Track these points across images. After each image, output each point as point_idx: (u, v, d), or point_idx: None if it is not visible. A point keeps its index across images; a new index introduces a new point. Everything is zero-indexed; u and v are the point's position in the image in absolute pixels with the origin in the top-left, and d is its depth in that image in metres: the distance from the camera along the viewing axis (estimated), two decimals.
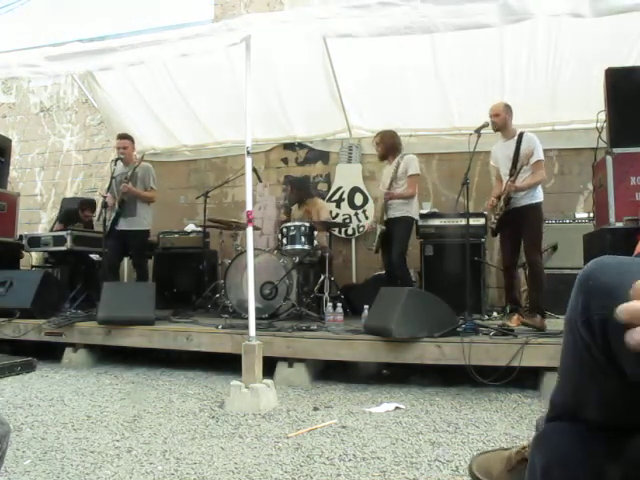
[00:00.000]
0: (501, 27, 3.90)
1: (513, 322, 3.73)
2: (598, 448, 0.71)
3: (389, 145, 4.55)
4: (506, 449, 1.01)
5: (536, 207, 3.73)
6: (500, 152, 3.94)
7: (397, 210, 4.45)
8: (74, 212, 6.23)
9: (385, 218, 4.50)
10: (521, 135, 3.78)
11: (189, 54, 3.41)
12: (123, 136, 4.94)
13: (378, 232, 4.53)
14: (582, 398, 0.76)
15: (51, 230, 6.24)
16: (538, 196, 3.75)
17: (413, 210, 4.48)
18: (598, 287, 0.69)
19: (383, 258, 4.65)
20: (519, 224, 3.74)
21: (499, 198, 3.84)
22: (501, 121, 3.83)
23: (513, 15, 2.80)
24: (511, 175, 3.72)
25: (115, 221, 4.78)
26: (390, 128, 4.69)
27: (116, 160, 4.79)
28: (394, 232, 4.43)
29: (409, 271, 4.55)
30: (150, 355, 4.10)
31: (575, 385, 0.78)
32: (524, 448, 0.95)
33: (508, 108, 3.85)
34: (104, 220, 4.66)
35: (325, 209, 5.54)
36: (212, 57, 3.91)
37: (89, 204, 6.31)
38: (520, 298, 3.99)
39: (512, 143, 3.80)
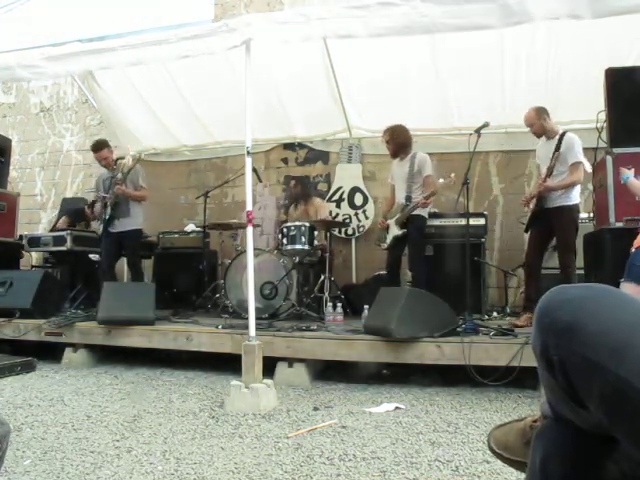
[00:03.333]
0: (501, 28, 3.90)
1: (521, 321, 3.73)
2: (596, 443, 0.71)
3: (400, 142, 4.46)
4: (520, 420, 1.02)
5: (570, 209, 3.68)
6: (543, 151, 3.91)
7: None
8: (81, 210, 6.22)
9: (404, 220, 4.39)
10: (562, 135, 3.73)
11: (189, 56, 3.41)
12: (97, 148, 4.89)
13: (397, 233, 4.40)
14: (565, 416, 0.76)
15: (54, 225, 6.22)
16: (573, 198, 3.70)
17: (424, 209, 4.42)
18: (553, 326, 0.67)
19: (389, 256, 4.55)
20: (551, 225, 3.71)
21: (533, 197, 3.84)
22: (538, 129, 3.80)
23: (512, 17, 2.80)
24: (547, 174, 3.70)
25: (109, 223, 4.78)
26: (401, 124, 4.55)
27: (117, 160, 4.80)
28: (408, 233, 4.36)
29: (425, 274, 4.40)
30: (150, 355, 4.09)
31: (553, 406, 0.78)
32: (535, 421, 0.95)
33: (540, 112, 3.77)
34: (103, 220, 4.67)
35: (324, 208, 5.54)
36: (212, 57, 3.90)
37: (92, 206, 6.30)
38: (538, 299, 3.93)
39: (553, 143, 3.76)
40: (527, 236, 4.00)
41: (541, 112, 3.78)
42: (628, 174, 2.89)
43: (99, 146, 4.91)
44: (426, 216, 4.48)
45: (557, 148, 3.69)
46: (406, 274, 4.78)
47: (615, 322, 0.62)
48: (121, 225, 4.83)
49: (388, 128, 4.55)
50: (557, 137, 3.75)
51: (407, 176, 4.41)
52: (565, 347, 0.64)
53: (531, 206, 3.89)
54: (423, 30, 3.02)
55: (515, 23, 2.86)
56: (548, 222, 3.73)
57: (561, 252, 3.73)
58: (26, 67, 3.70)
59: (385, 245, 4.54)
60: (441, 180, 4.26)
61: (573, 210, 3.71)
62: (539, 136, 3.88)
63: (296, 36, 3.19)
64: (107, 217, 4.76)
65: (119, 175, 4.75)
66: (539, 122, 3.77)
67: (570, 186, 3.67)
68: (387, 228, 4.53)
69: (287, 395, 3.15)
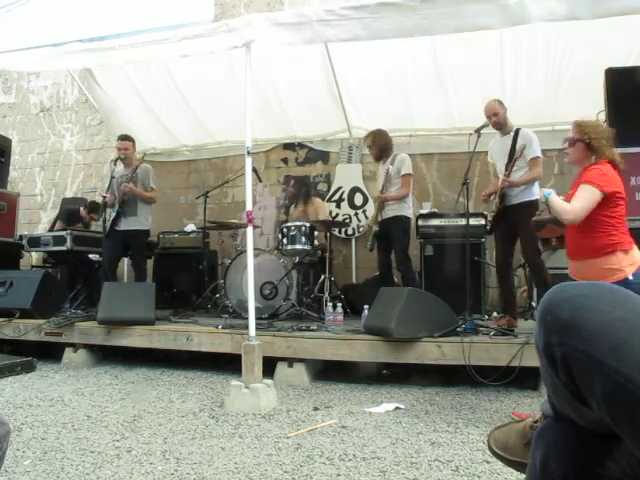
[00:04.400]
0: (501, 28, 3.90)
1: (500, 322, 3.74)
2: (596, 442, 0.71)
3: (381, 146, 4.49)
4: (520, 421, 1.02)
5: (531, 204, 3.63)
6: (497, 148, 3.90)
7: (391, 210, 4.41)
8: (76, 211, 6.23)
9: (379, 219, 4.48)
10: (517, 131, 3.74)
11: (190, 55, 3.41)
12: (125, 137, 4.91)
13: (373, 232, 4.50)
14: (566, 414, 0.76)
15: (50, 229, 6.23)
16: (534, 193, 3.66)
17: (406, 209, 4.43)
18: (555, 323, 0.68)
19: (378, 258, 4.60)
20: (514, 223, 3.68)
21: (494, 194, 3.81)
22: (501, 118, 3.77)
23: (512, 18, 2.80)
24: (509, 170, 3.69)
25: (115, 221, 4.78)
26: (381, 128, 4.60)
27: (116, 160, 4.79)
28: (391, 233, 4.40)
29: (414, 271, 4.51)
30: (150, 355, 4.09)
31: (555, 404, 0.78)
32: (536, 422, 0.95)
33: (502, 104, 3.81)
34: (104, 220, 4.66)
35: (324, 209, 5.54)
36: (212, 57, 3.91)
37: (95, 207, 6.30)
38: (513, 300, 3.93)
39: (509, 139, 3.76)
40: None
41: (502, 104, 3.80)
42: (549, 191, 2.68)
43: (128, 137, 4.93)
44: (408, 215, 4.47)
45: (514, 144, 3.68)
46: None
47: (616, 319, 0.63)
48: (127, 224, 4.82)
49: (369, 133, 4.62)
50: (512, 133, 3.75)
51: (385, 177, 4.43)
52: (567, 344, 0.65)
53: (493, 205, 3.85)
54: (423, 32, 3.03)
55: (514, 24, 2.87)
56: (511, 220, 3.70)
57: (525, 249, 3.70)
58: (25, 62, 3.72)
59: (368, 246, 4.57)
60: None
61: (534, 206, 3.64)
62: (499, 128, 3.83)
63: (297, 40, 3.19)
64: (115, 215, 4.75)
65: (129, 174, 4.76)
66: (502, 111, 3.75)
67: (531, 181, 3.66)
68: (371, 230, 4.58)
69: (287, 395, 3.15)
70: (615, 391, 0.59)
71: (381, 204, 4.45)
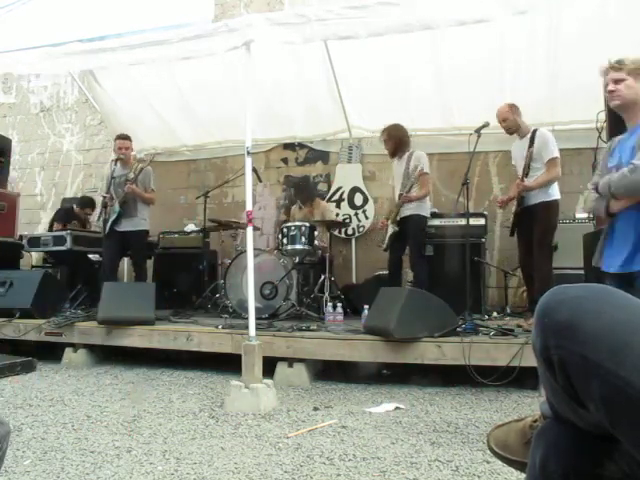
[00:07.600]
0: (501, 26, 3.90)
1: (527, 325, 3.70)
2: (596, 443, 0.71)
3: (398, 140, 4.44)
4: (519, 420, 1.02)
5: (548, 205, 3.65)
6: (517, 151, 3.91)
7: (408, 209, 4.35)
8: (70, 210, 6.24)
9: (398, 218, 4.40)
10: (534, 132, 3.73)
11: (191, 57, 3.42)
12: (124, 137, 4.92)
13: (390, 231, 4.41)
14: (565, 416, 0.76)
15: (49, 231, 6.24)
16: (552, 194, 3.67)
17: (425, 209, 4.41)
18: (553, 325, 0.67)
19: (390, 257, 4.53)
20: (531, 223, 3.69)
21: (511, 199, 3.84)
22: (512, 124, 3.79)
23: (514, 7, 2.80)
24: (523, 174, 3.70)
25: (115, 221, 4.78)
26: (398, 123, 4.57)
27: (116, 160, 4.79)
28: (407, 232, 4.35)
29: (426, 273, 4.42)
30: (150, 355, 4.09)
31: (554, 406, 0.78)
32: (535, 421, 0.95)
33: (513, 108, 3.80)
34: (104, 220, 4.66)
35: (329, 210, 5.54)
36: (212, 57, 3.92)
37: (89, 202, 6.32)
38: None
39: (526, 141, 3.76)
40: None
41: (515, 108, 3.80)
42: None
43: (127, 136, 4.93)
44: (426, 215, 4.45)
45: (531, 145, 3.68)
46: (407, 274, 4.77)
47: (615, 322, 0.62)
48: (127, 225, 4.81)
49: (385, 128, 4.55)
50: (529, 135, 3.75)
51: (403, 174, 4.39)
52: (565, 347, 0.64)
53: (512, 208, 3.88)
54: (423, 26, 3.03)
55: (519, 12, 2.86)
56: (528, 221, 3.71)
57: (535, 250, 3.69)
58: (25, 64, 3.72)
59: (384, 246, 4.52)
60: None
61: (551, 206, 3.67)
62: (512, 132, 3.86)
63: (297, 38, 3.19)
64: (116, 216, 4.76)
65: (131, 175, 4.76)
66: (513, 117, 3.77)
67: (548, 183, 3.65)
68: (387, 229, 4.52)
69: (287, 395, 3.15)
70: (613, 394, 0.59)
71: (401, 204, 4.35)
